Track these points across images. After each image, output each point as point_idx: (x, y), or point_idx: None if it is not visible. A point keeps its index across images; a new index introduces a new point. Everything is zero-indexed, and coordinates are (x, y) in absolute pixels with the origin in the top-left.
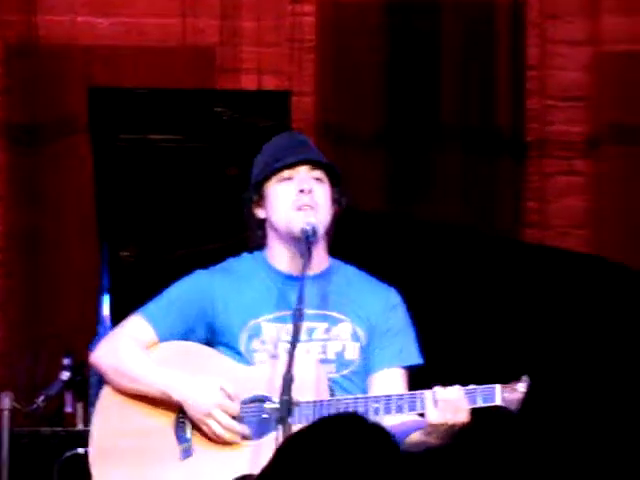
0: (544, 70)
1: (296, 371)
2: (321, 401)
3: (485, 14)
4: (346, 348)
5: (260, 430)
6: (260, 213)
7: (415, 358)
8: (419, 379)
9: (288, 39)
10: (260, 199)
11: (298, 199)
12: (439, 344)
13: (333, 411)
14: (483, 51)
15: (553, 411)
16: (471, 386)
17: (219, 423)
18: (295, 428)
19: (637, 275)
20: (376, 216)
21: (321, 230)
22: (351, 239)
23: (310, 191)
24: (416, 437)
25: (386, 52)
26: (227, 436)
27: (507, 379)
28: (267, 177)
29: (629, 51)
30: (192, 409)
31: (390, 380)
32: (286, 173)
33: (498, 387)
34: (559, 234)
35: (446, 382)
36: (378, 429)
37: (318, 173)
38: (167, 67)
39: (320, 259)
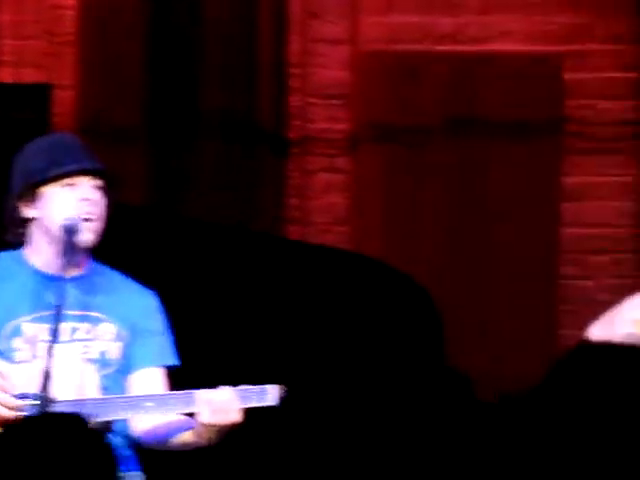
0: (306, 68)
1: (63, 370)
2: (84, 399)
3: (249, 8)
4: (108, 348)
5: None
6: (29, 212)
7: (173, 359)
8: (184, 379)
9: (47, 32)
10: (32, 199)
11: (80, 208)
12: (200, 342)
13: (95, 410)
14: (246, 46)
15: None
16: (243, 386)
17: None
18: None
19: (395, 272)
20: (137, 209)
21: (95, 240)
22: (113, 233)
23: (92, 201)
24: (187, 437)
25: (147, 44)
26: (12, 415)
27: (270, 375)
28: (46, 181)
29: (387, 51)
30: None
31: (149, 380)
32: (68, 179)
33: (271, 387)
34: (320, 231)
35: (211, 382)
36: (95, 434)
37: (100, 182)
38: None
39: (84, 261)
